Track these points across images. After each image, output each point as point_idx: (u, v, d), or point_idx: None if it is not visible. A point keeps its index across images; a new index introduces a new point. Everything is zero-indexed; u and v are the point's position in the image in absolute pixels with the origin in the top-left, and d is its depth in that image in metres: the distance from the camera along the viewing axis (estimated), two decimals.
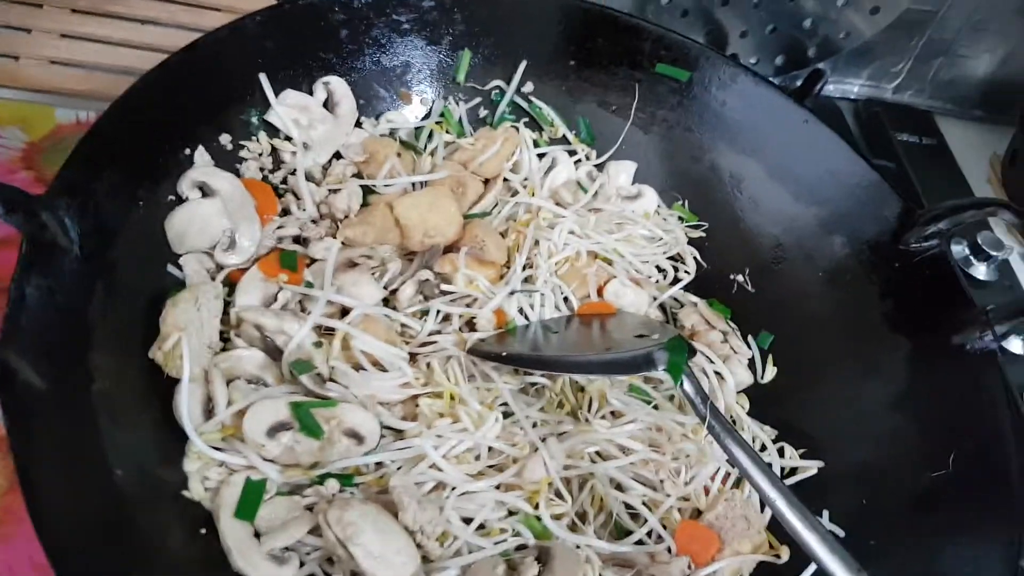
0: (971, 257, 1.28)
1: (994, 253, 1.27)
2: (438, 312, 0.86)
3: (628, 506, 0.80)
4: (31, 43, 1.11)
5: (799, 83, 1.39)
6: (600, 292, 0.93)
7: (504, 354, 0.82)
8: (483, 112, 1.04)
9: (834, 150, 0.96)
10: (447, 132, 1.00)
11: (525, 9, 0.99)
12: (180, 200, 0.81)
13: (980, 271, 1.28)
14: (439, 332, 0.86)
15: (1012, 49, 1.49)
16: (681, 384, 0.76)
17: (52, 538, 0.54)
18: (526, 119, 1.04)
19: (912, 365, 0.87)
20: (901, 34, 1.45)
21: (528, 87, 1.03)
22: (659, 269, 1.01)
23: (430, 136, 1.00)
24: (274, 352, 0.78)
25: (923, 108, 1.54)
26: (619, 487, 0.82)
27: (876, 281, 0.92)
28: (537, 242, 0.91)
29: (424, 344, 0.85)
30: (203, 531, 0.68)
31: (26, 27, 1.13)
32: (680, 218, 1.03)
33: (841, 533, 0.80)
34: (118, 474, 0.64)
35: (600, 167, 1.05)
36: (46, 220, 0.65)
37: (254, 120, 0.89)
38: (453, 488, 0.74)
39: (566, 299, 0.92)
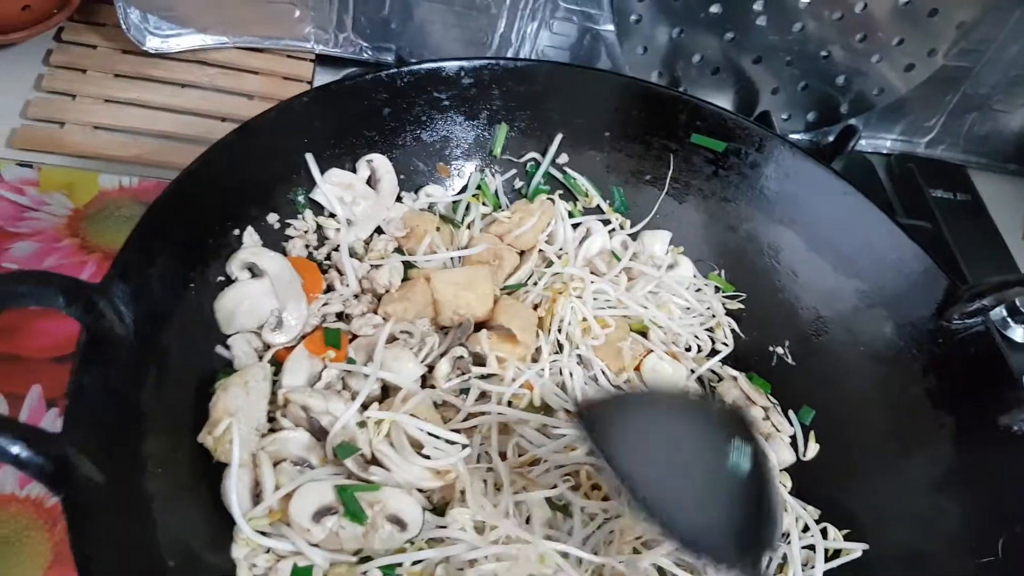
0: (1008, 319, 1.27)
1: None
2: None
3: None
4: (76, 109, 1.16)
5: (831, 138, 1.43)
6: (637, 368, 0.94)
7: None
8: (518, 183, 1.07)
9: (874, 222, 0.98)
10: (484, 204, 1.02)
11: (561, 84, 1.02)
12: (229, 281, 0.84)
13: (1018, 333, 1.27)
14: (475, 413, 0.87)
15: None
16: None
17: None
18: (560, 191, 1.07)
19: (957, 445, 0.87)
20: (935, 90, 1.46)
21: (563, 158, 1.06)
22: (697, 340, 1.02)
23: (467, 209, 1.03)
24: (319, 432, 0.80)
25: (957, 163, 1.55)
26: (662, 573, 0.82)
27: (919, 357, 0.93)
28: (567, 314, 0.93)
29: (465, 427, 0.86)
30: None
31: (71, 92, 1.17)
32: (717, 288, 1.05)
33: None
34: (171, 566, 0.66)
35: (634, 236, 1.07)
36: (103, 309, 0.68)
37: (300, 199, 0.92)
38: None
39: (594, 377, 0.93)
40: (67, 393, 0.65)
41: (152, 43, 1.18)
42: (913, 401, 0.92)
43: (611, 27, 1.28)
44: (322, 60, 1.30)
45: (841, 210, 0.99)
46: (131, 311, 0.71)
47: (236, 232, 0.86)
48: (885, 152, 1.54)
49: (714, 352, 1.01)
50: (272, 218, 0.90)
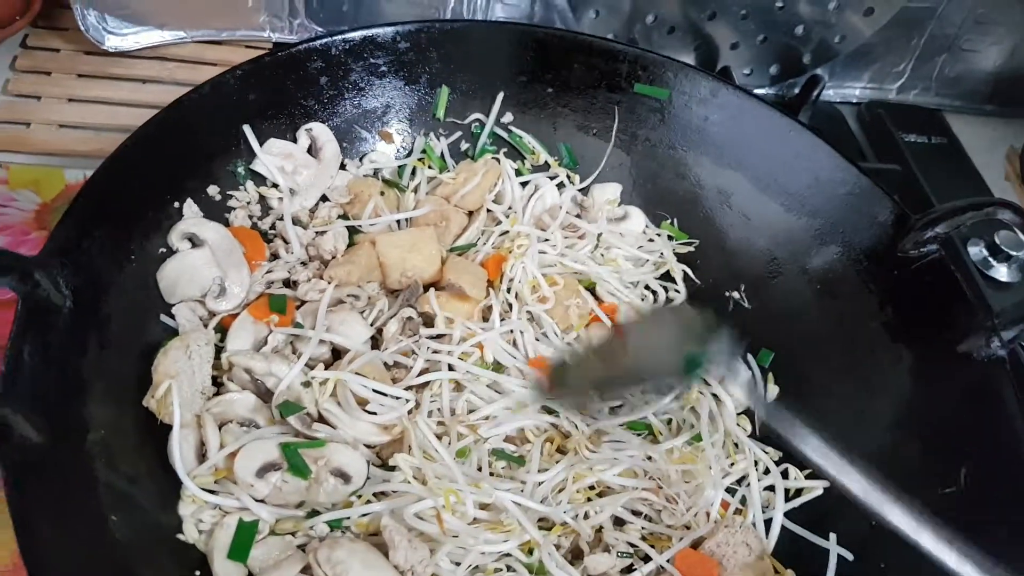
0: (990, 258, 1.23)
1: (1015, 253, 1.22)
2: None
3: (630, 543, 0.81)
4: (41, 109, 1.19)
5: (796, 91, 1.43)
6: (587, 326, 0.96)
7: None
8: (465, 145, 1.09)
9: (822, 157, 0.98)
10: (429, 168, 1.04)
11: (498, 42, 1.04)
12: (171, 252, 0.86)
13: (1001, 272, 1.22)
14: (426, 370, 0.88)
15: (1020, 40, 1.48)
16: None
17: None
18: (507, 149, 1.08)
19: (916, 377, 0.87)
20: (900, 33, 1.45)
21: (508, 118, 1.08)
22: (650, 290, 1.02)
23: (413, 173, 1.05)
24: (265, 395, 0.82)
25: (931, 107, 1.54)
26: (619, 521, 0.84)
27: (875, 291, 0.93)
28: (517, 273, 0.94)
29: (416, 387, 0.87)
30: (198, 573, 0.71)
31: (36, 94, 1.20)
32: (669, 237, 1.05)
33: (850, 557, 0.81)
34: (113, 520, 0.68)
35: (584, 191, 1.08)
36: (39, 279, 0.70)
37: (240, 170, 0.94)
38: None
39: (544, 334, 0.94)
40: (5, 359, 0.67)
41: (111, 42, 1.21)
42: (871, 336, 0.92)
43: None
44: (280, 48, 1.31)
45: (788, 149, 1.00)
46: (69, 282, 0.73)
47: (176, 205, 0.88)
48: (855, 101, 1.53)
49: (668, 300, 1.01)
50: (213, 190, 0.92)
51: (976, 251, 1.24)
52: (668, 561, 0.78)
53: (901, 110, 1.50)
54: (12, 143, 1.14)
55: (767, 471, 0.87)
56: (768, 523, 0.84)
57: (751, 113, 1.01)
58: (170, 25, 1.25)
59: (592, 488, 0.84)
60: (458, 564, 0.75)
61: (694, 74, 1.03)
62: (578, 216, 1.04)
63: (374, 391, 0.83)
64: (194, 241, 0.87)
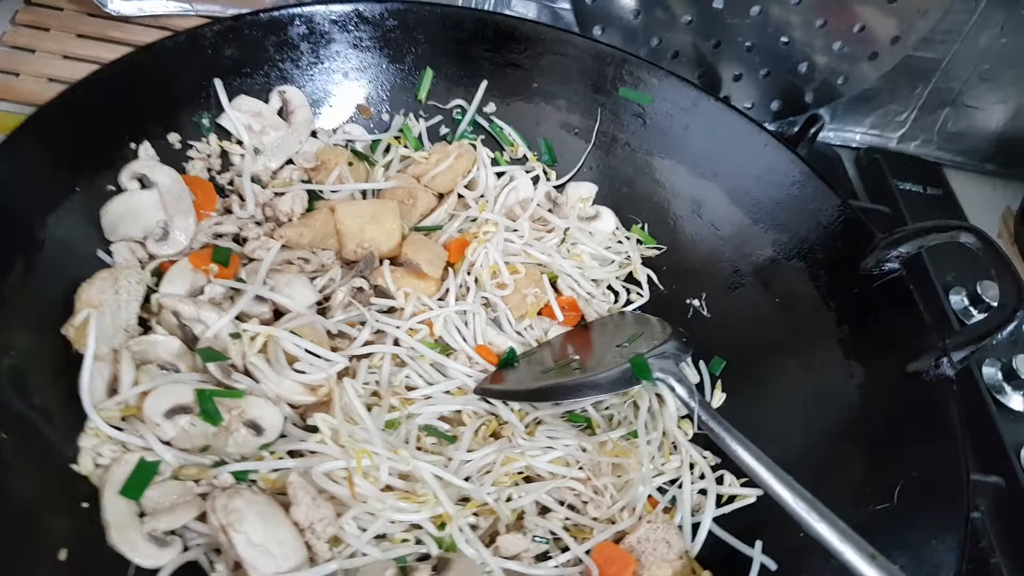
0: (1005, 384, 1.12)
1: None
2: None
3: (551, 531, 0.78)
4: (33, 62, 1.19)
5: (796, 129, 1.41)
6: (540, 313, 0.93)
7: (508, 390, 0.85)
8: (444, 130, 1.07)
9: (795, 173, 0.96)
10: (404, 147, 1.02)
11: (488, 31, 1.03)
12: (119, 191, 0.84)
13: (1016, 401, 1.11)
14: (371, 343, 0.86)
15: None
16: (657, 383, 0.82)
17: None
18: (486, 138, 1.06)
19: (865, 393, 0.84)
20: (904, 82, 1.44)
21: (490, 107, 1.06)
22: (612, 290, 0.99)
23: (387, 150, 1.03)
24: (191, 342, 0.80)
25: (931, 159, 1.51)
26: (544, 510, 0.80)
27: (833, 308, 0.90)
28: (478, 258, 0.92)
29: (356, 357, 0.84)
30: (85, 505, 0.68)
31: (31, 48, 1.20)
32: (638, 240, 1.02)
33: (773, 566, 0.76)
34: (2, 438, 0.64)
35: (560, 188, 1.06)
36: None
37: (205, 122, 0.93)
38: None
39: (495, 319, 0.92)
40: None
41: (114, 5, 1.22)
42: (825, 351, 0.89)
43: (567, 5, 1.28)
44: (264, 9, 1.31)
45: (763, 163, 0.98)
46: (3, 199, 0.71)
47: (132, 145, 0.87)
48: (855, 146, 1.51)
49: (629, 302, 0.98)
50: (173, 138, 0.91)
51: (991, 373, 1.14)
52: (586, 553, 0.74)
53: (900, 158, 1.48)
54: None
55: (703, 476, 0.84)
56: (696, 527, 0.80)
57: (730, 125, 1.00)
58: None
59: (520, 474, 0.81)
60: (364, 530, 0.71)
61: (678, 82, 1.01)
62: (550, 211, 1.01)
63: (306, 351, 0.80)
64: (144, 182, 0.85)
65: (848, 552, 0.67)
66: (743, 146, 0.98)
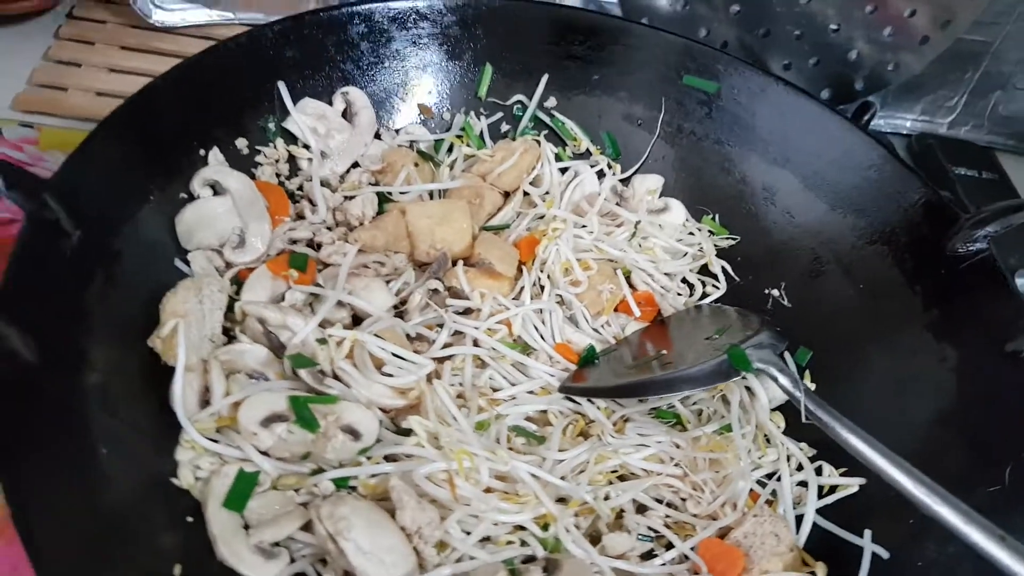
0: None
1: None
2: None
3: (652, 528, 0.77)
4: (80, 76, 1.19)
5: (848, 117, 1.39)
6: (616, 309, 0.93)
7: (597, 387, 0.84)
8: (505, 128, 1.07)
9: (872, 156, 0.95)
10: (467, 146, 1.01)
11: (547, 24, 1.02)
12: (192, 198, 0.84)
13: None
14: (450, 344, 0.85)
15: None
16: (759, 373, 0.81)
17: (23, 506, 0.54)
18: (548, 133, 1.06)
19: (960, 376, 0.83)
20: (954, 67, 1.43)
21: (551, 102, 1.06)
22: (687, 283, 0.98)
23: (450, 150, 1.03)
24: (278, 349, 0.79)
25: (983, 144, 1.50)
26: (642, 508, 0.79)
27: (919, 292, 0.89)
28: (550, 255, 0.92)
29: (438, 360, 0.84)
30: (190, 519, 0.67)
31: (77, 62, 1.20)
32: (710, 232, 1.01)
33: (885, 555, 0.75)
34: (104, 453, 0.64)
35: (626, 182, 1.04)
36: (48, 201, 0.68)
37: (271, 127, 0.93)
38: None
39: (572, 317, 0.92)
40: (3, 273, 0.64)
41: (158, 16, 1.21)
42: (914, 336, 0.87)
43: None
44: (323, 9, 1.30)
45: (838, 147, 0.97)
46: (79, 210, 0.71)
47: (201, 152, 0.87)
48: (905, 132, 1.49)
49: (705, 295, 0.97)
50: (241, 143, 0.90)
51: None
52: (692, 549, 0.73)
53: (953, 144, 1.47)
54: (47, 106, 1.14)
55: (800, 467, 0.83)
56: (800, 520, 0.79)
57: (801, 109, 0.99)
58: (220, 5, 1.25)
59: (614, 472, 0.80)
60: (468, 533, 0.70)
61: (744, 68, 1.01)
62: (617, 205, 1.00)
63: (393, 355, 0.79)
64: (216, 189, 0.84)
65: (974, 534, 0.65)
66: (816, 130, 0.97)
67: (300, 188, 0.93)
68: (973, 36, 1.38)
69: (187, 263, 0.82)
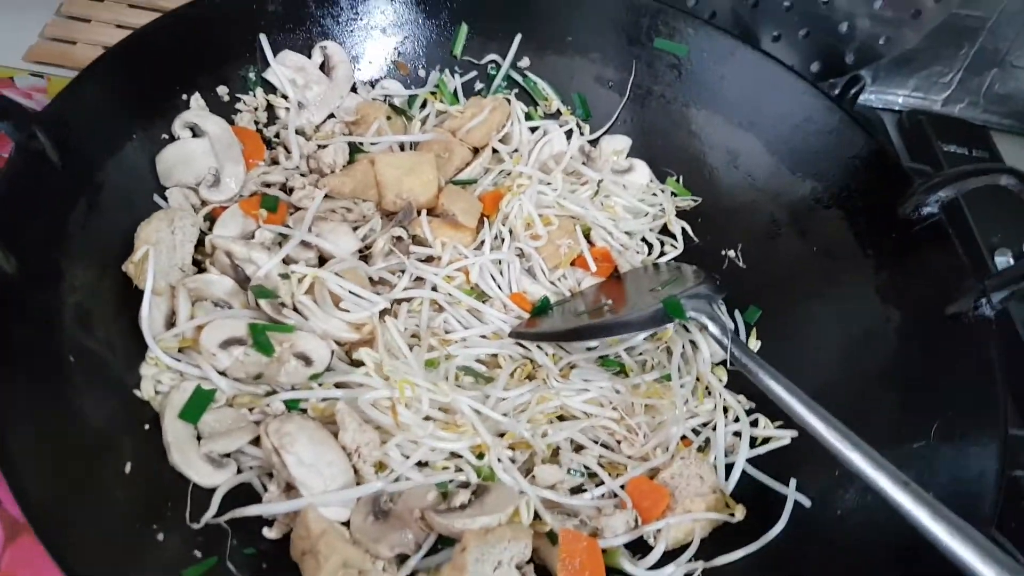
0: None
1: None
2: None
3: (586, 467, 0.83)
4: (89, 31, 1.27)
5: (836, 91, 1.43)
6: (573, 263, 0.99)
7: (542, 332, 0.90)
8: (479, 86, 1.12)
9: (833, 120, 0.99)
10: (440, 102, 1.07)
11: None
12: (172, 139, 0.91)
13: None
14: (411, 289, 0.91)
15: None
16: (689, 321, 0.85)
17: None
18: (519, 91, 1.11)
19: (902, 336, 0.87)
20: (948, 42, 1.44)
21: (524, 62, 1.11)
22: (646, 242, 1.04)
23: (424, 105, 1.08)
24: (243, 281, 0.86)
25: (978, 123, 1.52)
26: (579, 447, 0.85)
27: (872, 254, 0.93)
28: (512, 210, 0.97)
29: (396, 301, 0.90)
30: (146, 427, 0.74)
31: (87, 17, 1.27)
32: (673, 193, 1.06)
33: (807, 503, 0.80)
34: (72, 362, 0.71)
35: (594, 142, 1.10)
36: (37, 132, 0.75)
37: (251, 76, 0.99)
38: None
39: (530, 269, 0.97)
40: None
41: None
42: (862, 298, 0.92)
43: None
44: None
45: (801, 111, 1.01)
46: (66, 143, 0.78)
47: (184, 96, 0.94)
48: (897, 109, 1.52)
49: (663, 254, 1.02)
50: (222, 90, 0.97)
51: None
52: (621, 487, 0.79)
53: (945, 121, 1.49)
54: (56, 57, 1.22)
55: (737, 419, 0.88)
56: (730, 468, 0.84)
57: (768, 74, 1.03)
58: None
59: (554, 413, 0.85)
60: (407, 457, 0.76)
61: (713, 31, 1.05)
62: (583, 164, 1.06)
63: (350, 292, 0.85)
64: (195, 131, 0.91)
65: (881, 479, 0.69)
66: (781, 95, 1.01)
67: (277, 136, 1.00)
68: (968, 11, 1.40)
69: (165, 199, 0.89)
